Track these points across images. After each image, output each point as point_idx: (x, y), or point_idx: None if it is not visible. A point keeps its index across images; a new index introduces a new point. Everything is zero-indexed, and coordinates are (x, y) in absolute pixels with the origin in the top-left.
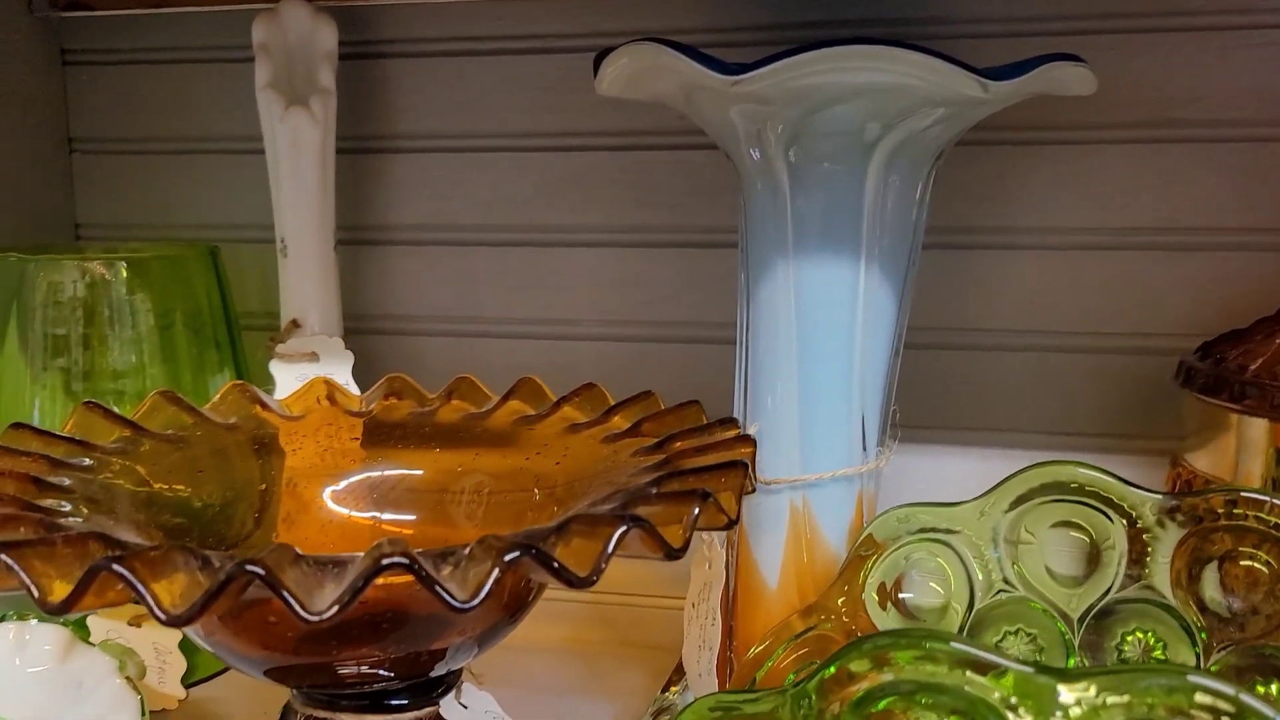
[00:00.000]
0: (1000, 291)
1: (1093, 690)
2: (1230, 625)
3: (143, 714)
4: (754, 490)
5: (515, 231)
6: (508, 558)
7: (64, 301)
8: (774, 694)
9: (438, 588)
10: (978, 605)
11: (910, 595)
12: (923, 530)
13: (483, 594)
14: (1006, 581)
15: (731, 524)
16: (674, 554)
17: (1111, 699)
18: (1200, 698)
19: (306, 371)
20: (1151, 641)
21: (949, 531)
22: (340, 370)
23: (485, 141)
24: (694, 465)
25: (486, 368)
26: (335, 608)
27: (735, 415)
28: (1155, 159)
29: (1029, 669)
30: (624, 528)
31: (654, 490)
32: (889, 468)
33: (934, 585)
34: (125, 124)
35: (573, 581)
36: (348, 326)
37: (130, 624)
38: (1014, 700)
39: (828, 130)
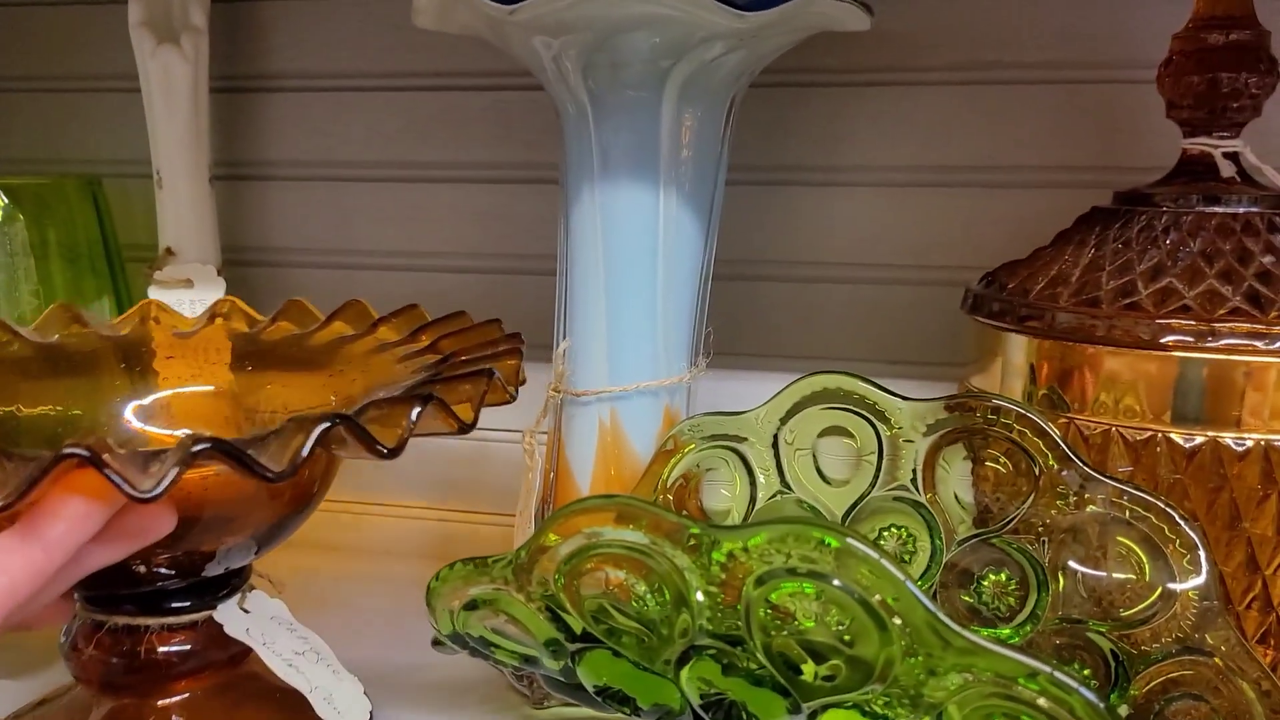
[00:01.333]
0: (823, 226)
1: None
2: (975, 520)
3: None
4: (524, 381)
5: (386, 168)
6: (320, 428)
7: None
8: (509, 556)
9: (251, 459)
10: (757, 506)
11: (704, 500)
12: (714, 436)
13: (300, 459)
14: (784, 484)
15: (511, 399)
16: (466, 428)
17: (753, 543)
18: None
19: (183, 297)
20: (904, 536)
21: (736, 438)
22: (214, 294)
23: (357, 81)
24: (468, 360)
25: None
26: (163, 484)
27: (555, 336)
28: (972, 99)
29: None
30: (419, 407)
31: (438, 376)
32: (704, 388)
33: (723, 491)
34: (11, 63)
35: (382, 451)
36: (228, 258)
37: None
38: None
39: (619, 60)
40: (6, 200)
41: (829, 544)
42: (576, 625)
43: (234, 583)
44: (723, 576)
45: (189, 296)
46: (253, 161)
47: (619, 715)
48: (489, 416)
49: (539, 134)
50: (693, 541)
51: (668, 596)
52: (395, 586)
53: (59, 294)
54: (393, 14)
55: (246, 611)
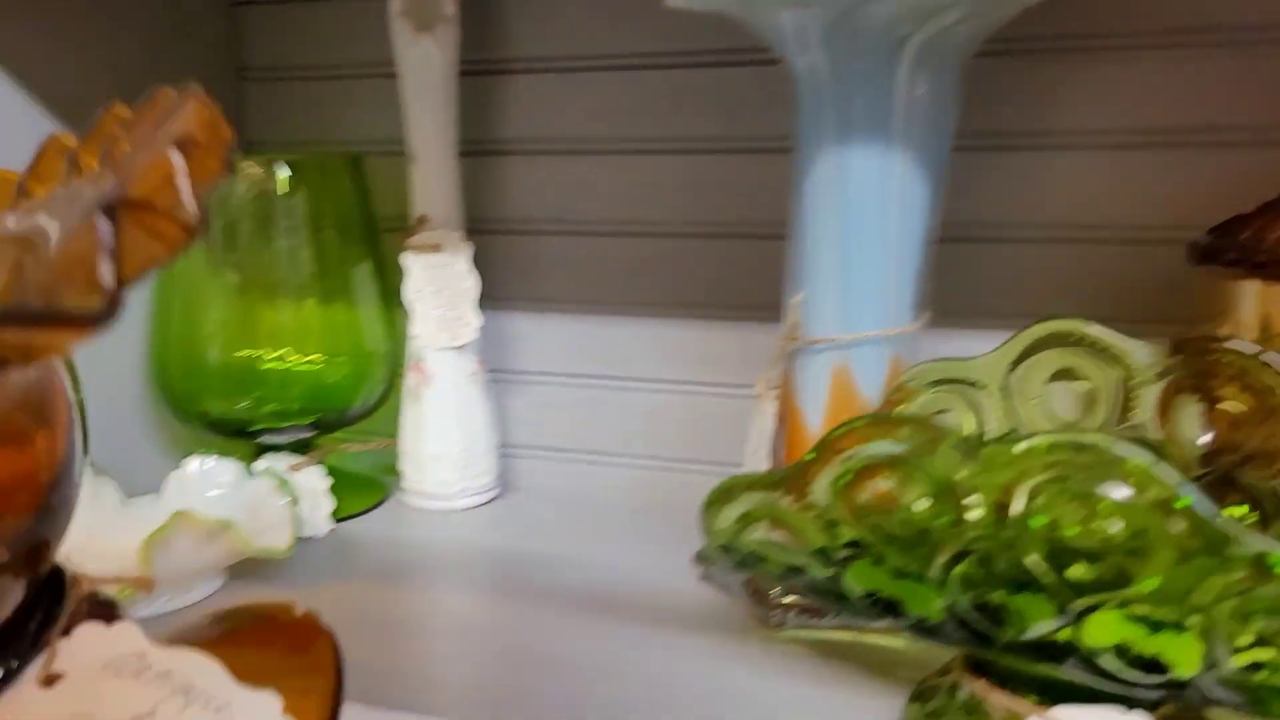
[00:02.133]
0: (1040, 189)
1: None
2: (1206, 459)
3: (295, 528)
4: None
5: (614, 142)
6: None
7: (236, 200)
8: (785, 470)
9: None
10: None
11: None
12: (944, 381)
13: None
14: (1015, 428)
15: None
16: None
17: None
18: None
19: (432, 261)
20: None
21: (966, 383)
22: (460, 259)
23: (589, 62)
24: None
25: (585, 262)
26: None
27: (786, 290)
28: (1187, 62)
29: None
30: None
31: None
32: (925, 349)
33: None
34: (287, 54)
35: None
36: (470, 227)
37: (292, 469)
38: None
39: (859, 29)
40: (290, 174)
41: (1101, 449)
42: (846, 534)
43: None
44: (995, 484)
45: (439, 261)
46: (493, 139)
47: (853, 634)
48: (702, 369)
49: (760, 107)
50: (964, 449)
51: (937, 504)
52: (619, 530)
53: (330, 260)
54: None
55: None
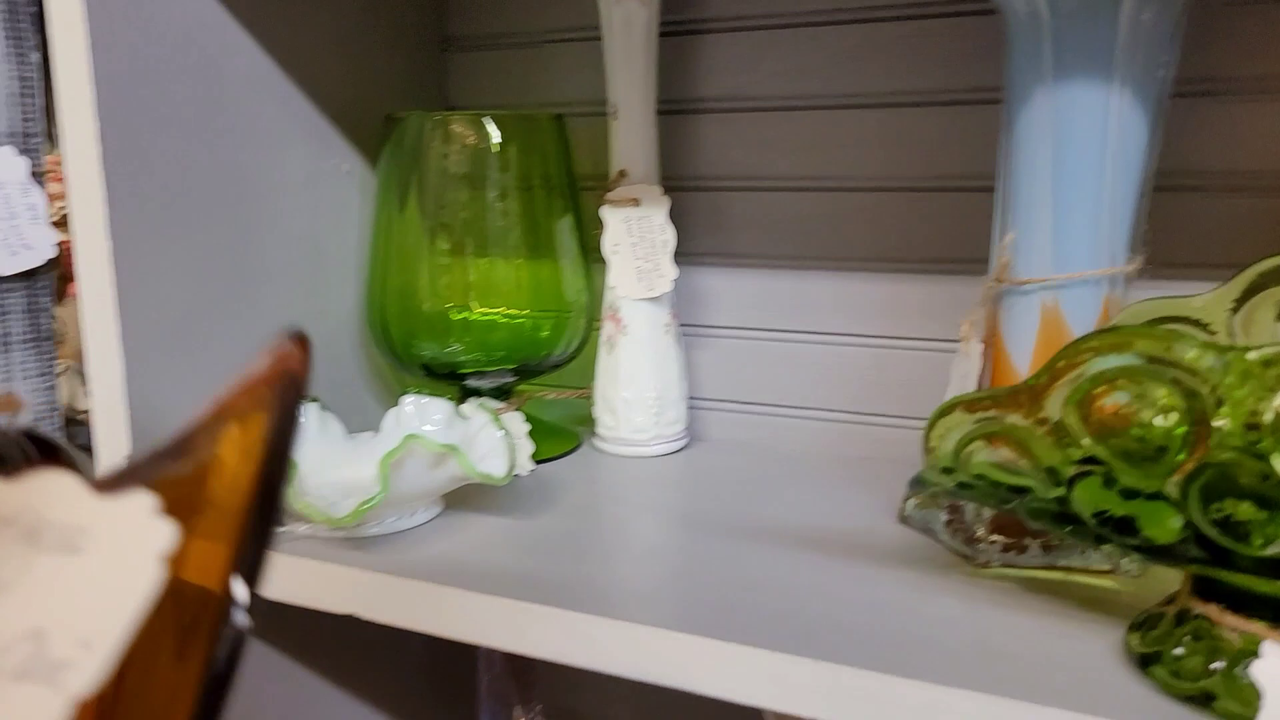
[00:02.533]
0: (1256, 137)
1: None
2: None
3: (512, 457)
4: None
5: (805, 99)
6: None
7: (451, 157)
8: (1016, 386)
9: None
10: None
11: None
12: (1161, 319)
13: None
14: None
15: None
16: None
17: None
18: None
19: (630, 214)
20: None
21: (1185, 320)
22: (658, 213)
23: (782, 19)
24: None
25: (777, 218)
26: None
27: (994, 232)
28: None
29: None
30: None
31: None
32: (1137, 296)
33: None
34: (492, 23)
35: None
36: (664, 184)
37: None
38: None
39: None
40: (496, 132)
41: None
42: (1079, 451)
43: None
44: (1242, 394)
45: (637, 214)
46: (688, 98)
47: (1061, 573)
48: (891, 323)
49: (957, 59)
50: (1208, 359)
51: (1178, 417)
52: (809, 478)
53: (536, 214)
54: None
55: None
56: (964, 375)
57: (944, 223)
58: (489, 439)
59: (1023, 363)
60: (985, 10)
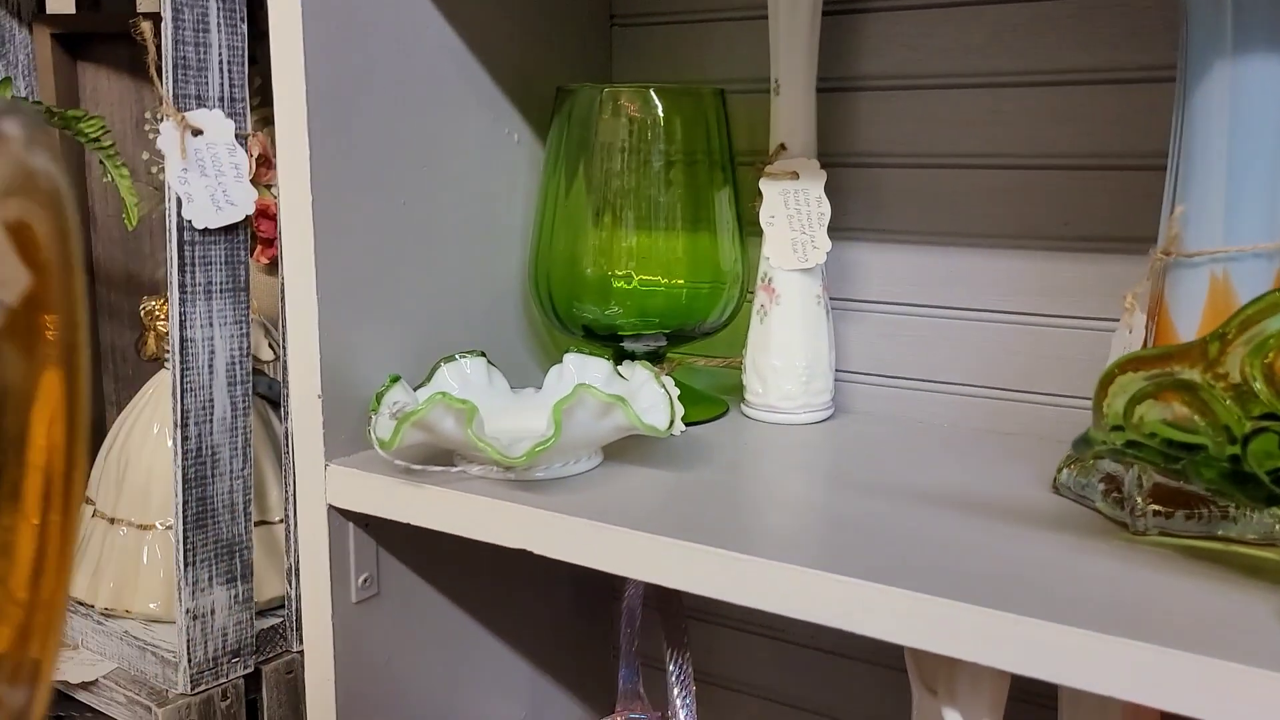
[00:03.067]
0: None
1: None
2: None
3: (672, 411)
4: None
5: (968, 76)
6: None
7: (618, 127)
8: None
9: None
10: None
11: None
12: None
13: None
14: None
15: None
16: None
17: None
18: None
19: (788, 187)
20: None
21: None
22: (815, 186)
23: None
24: None
25: (934, 194)
26: None
27: (1164, 205)
28: None
29: None
30: None
31: None
32: None
33: None
34: (654, 2)
35: None
36: (822, 161)
37: None
38: None
39: None
40: (662, 104)
41: None
42: (1259, 407)
43: None
44: None
45: (794, 187)
46: (848, 76)
47: (1221, 544)
48: (1045, 302)
49: (1121, 37)
50: None
51: None
52: (958, 449)
53: (697, 186)
54: None
55: None
56: (1126, 347)
57: (1103, 201)
58: (651, 393)
59: (1189, 335)
60: None
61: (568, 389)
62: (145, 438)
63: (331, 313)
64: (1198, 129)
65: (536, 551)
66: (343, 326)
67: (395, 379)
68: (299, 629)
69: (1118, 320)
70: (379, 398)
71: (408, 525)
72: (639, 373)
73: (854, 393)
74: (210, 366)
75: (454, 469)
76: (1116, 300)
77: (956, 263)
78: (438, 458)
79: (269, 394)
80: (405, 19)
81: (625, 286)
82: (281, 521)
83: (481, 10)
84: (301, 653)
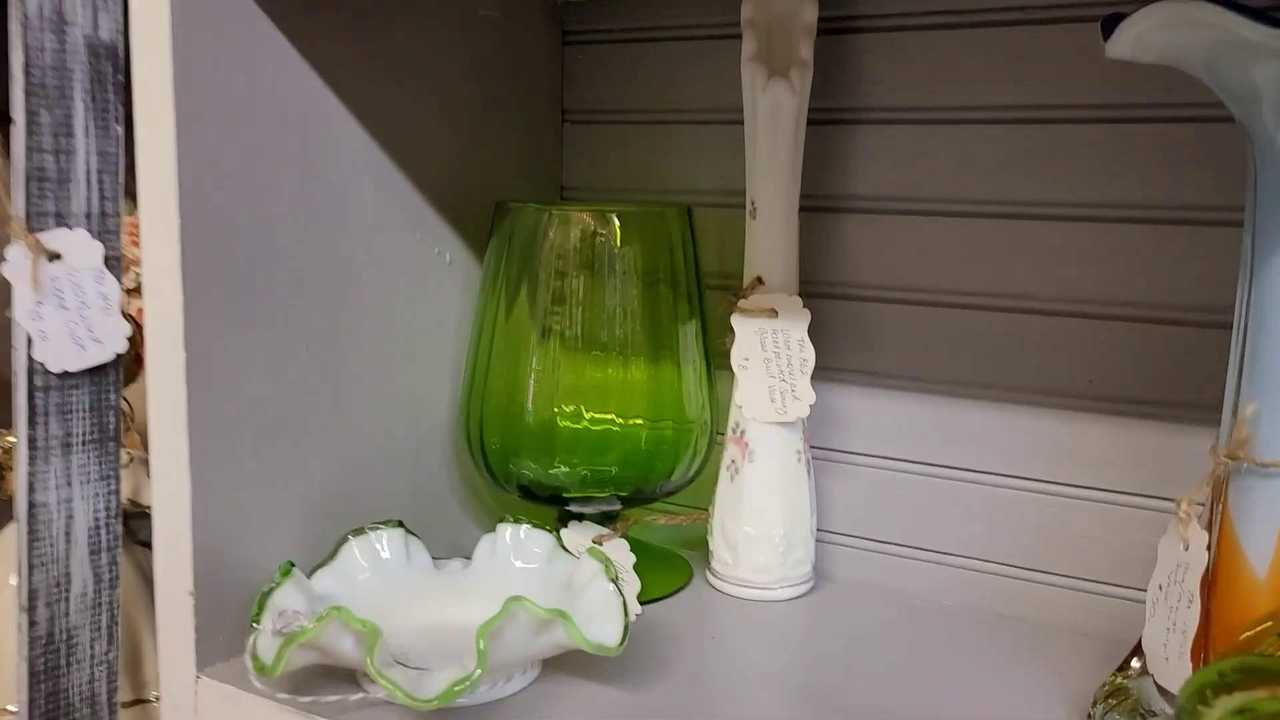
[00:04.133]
0: None
1: None
2: None
3: (625, 616)
4: None
5: (976, 204)
6: None
7: (568, 252)
8: None
9: None
10: None
11: None
12: None
13: None
14: None
15: None
16: None
17: None
18: None
19: (765, 326)
20: None
21: None
22: (797, 327)
23: (952, 114)
24: None
25: (934, 335)
26: None
27: (1227, 396)
28: None
29: None
30: None
31: None
32: None
33: None
34: (614, 97)
35: None
36: (802, 289)
37: (595, 541)
38: None
39: None
40: (620, 227)
41: None
42: None
43: None
44: None
45: (772, 326)
46: (834, 195)
47: None
48: (1070, 469)
49: (1160, 169)
50: None
51: None
52: (964, 642)
53: (660, 317)
54: (1006, 44)
55: None
56: (1181, 567)
57: (1134, 357)
58: (600, 594)
59: (1261, 564)
60: (1213, 117)
61: (518, 578)
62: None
63: (209, 486)
64: (1273, 303)
65: None
66: (224, 501)
67: (287, 570)
68: None
69: (1145, 496)
70: (263, 600)
71: None
72: (587, 563)
73: (836, 557)
74: (67, 535)
75: (353, 696)
76: (1146, 474)
77: (958, 415)
78: (335, 669)
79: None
80: (311, 126)
81: (572, 434)
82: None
83: (407, 112)
84: None
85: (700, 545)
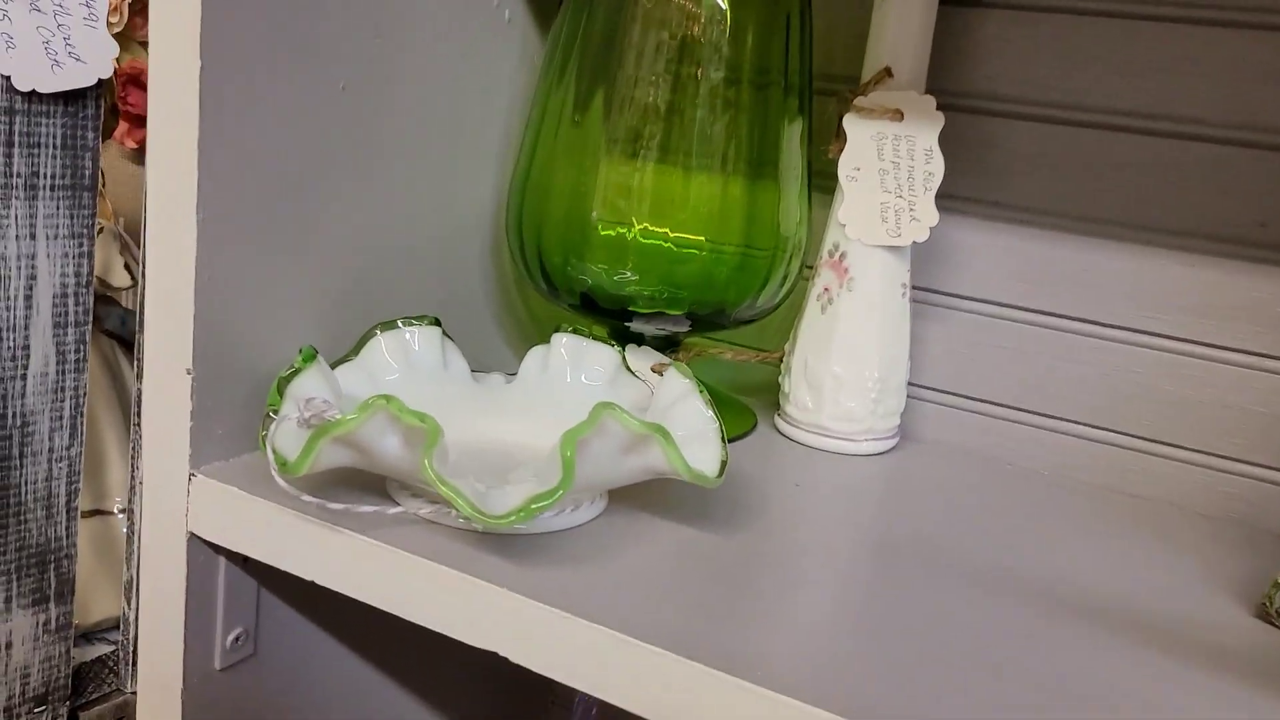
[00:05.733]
0: None
1: None
2: None
3: (723, 443)
4: None
5: (1137, 3)
6: None
7: (664, 35)
8: None
9: None
10: None
11: None
12: None
13: None
14: None
15: None
16: None
17: None
18: None
19: (885, 131)
20: None
21: None
22: (926, 133)
23: None
24: None
25: (1075, 162)
26: None
27: None
28: None
29: None
30: None
31: None
32: None
33: None
34: None
35: None
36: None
37: (654, 369)
38: None
39: None
40: (728, 10)
41: None
42: None
43: None
44: None
45: (895, 131)
46: None
47: None
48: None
49: None
50: None
51: None
52: (1087, 520)
53: (764, 117)
54: None
55: None
56: None
57: None
58: (693, 415)
59: None
60: None
61: (575, 398)
62: None
63: (216, 243)
64: None
65: (514, 660)
66: (232, 265)
67: (311, 355)
68: (136, 664)
69: None
70: (282, 385)
71: None
72: (673, 380)
73: (924, 414)
74: (28, 298)
75: (391, 509)
76: None
77: (1090, 258)
78: (357, 480)
79: (120, 332)
80: None
81: (646, 243)
82: (124, 512)
83: None
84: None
85: (760, 392)
